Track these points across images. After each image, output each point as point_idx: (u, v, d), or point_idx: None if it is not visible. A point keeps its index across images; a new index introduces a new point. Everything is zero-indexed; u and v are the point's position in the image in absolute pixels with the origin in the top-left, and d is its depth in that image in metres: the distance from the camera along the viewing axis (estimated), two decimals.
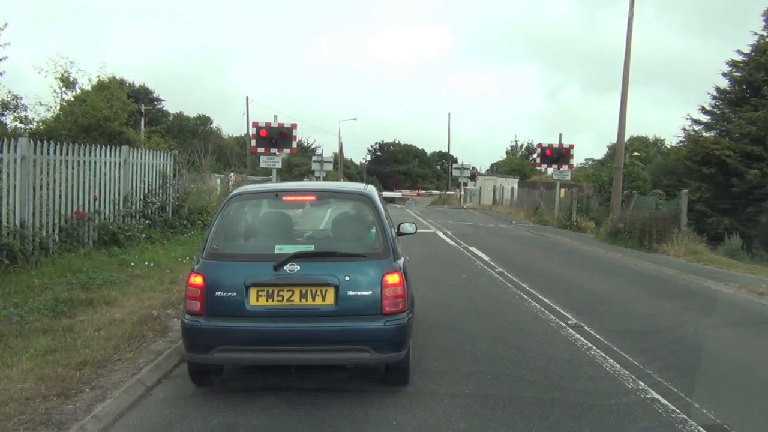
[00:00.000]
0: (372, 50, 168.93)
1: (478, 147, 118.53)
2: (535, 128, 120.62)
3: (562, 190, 26.54)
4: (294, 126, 19.08)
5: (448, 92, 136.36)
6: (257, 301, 4.39)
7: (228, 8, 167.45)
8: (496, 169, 58.55)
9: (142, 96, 20.56)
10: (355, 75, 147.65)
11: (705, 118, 28.26)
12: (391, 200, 49.08)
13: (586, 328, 7.09)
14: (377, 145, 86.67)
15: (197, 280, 4.46)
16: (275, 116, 18.90)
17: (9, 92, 14.26)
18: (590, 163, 58.58)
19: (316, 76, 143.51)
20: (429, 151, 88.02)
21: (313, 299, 4.40)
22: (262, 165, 19.52)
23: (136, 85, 36.95)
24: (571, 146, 25.40)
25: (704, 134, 27.78)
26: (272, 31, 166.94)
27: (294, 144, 19.22)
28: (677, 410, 4.58)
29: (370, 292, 4.44)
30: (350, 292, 4.42)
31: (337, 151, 55.84)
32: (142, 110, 17.92)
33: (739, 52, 26.95)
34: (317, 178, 30.93)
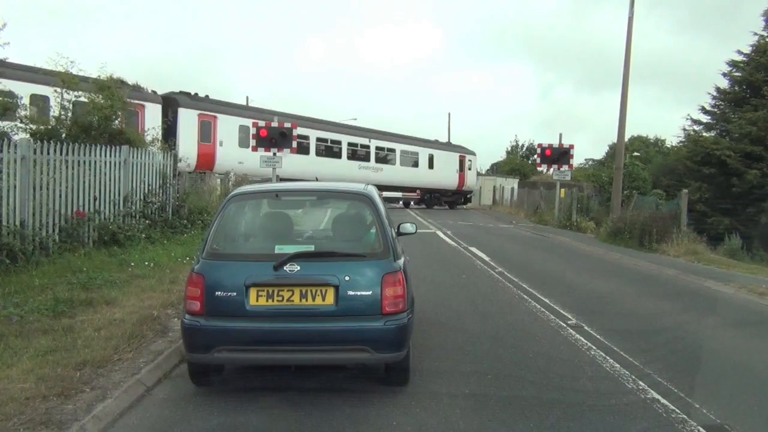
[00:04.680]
0: (370, 50, 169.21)
1: (477, 147, 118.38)
2: (533, 128, 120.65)
3: (562, 190, 26.54)
4: (294, 126, 19.09)
5: (446, 92, 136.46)
6: (257, 301, 4.39)
7: (223, 8, 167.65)
8: (496, 169, 58.57)
9: None
10: (354, 75, 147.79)
11: (705, 118, 28.29)
12: (392, 200, 48.99)
13: (586, 328, 7.09)
14: None
15: (197, 280, 4.46)
16: (275, 116, 18.91)
17: (9, 91, 14.23)
18: (590, 163, 58.67)
19: (314, 76, 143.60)
20: None
21: (313, 299, 4.40)
22: (262, 165, 19.50)
23: (131, 84, 36.74)
24: (571, 146, 25.40)
25: (704, 134, 27.78)
26: (270, 31, 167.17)
27: (294, 144, 19.22)
28: (677, 410, 4.58)
29: (370, 292, 4.44)
30: (350, 292, 4.42)
31: None
32: None
33: (739, 52, 26.99)
34: (317, 178, 30.90)
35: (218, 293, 4.41)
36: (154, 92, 21.20)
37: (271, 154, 18.72)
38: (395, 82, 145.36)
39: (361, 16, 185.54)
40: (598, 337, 6.69)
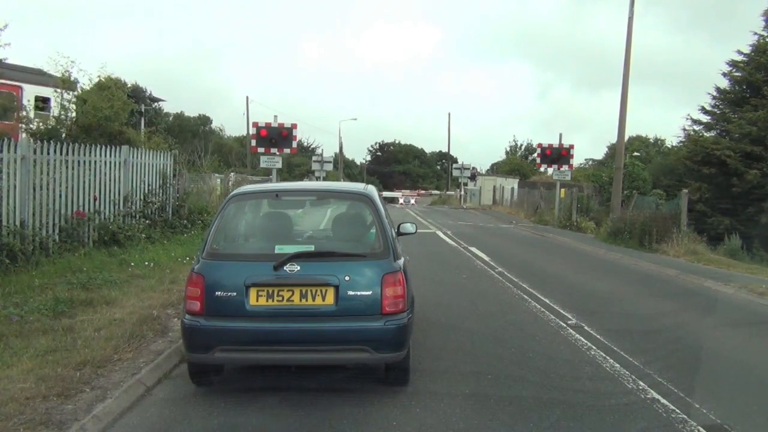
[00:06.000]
0: (368, 50, 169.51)
1: (476, 146, 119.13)
2: (532, 128, 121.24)
3: (562, 190, 26.53)
4: (294, 126, 19.06)
5: (444, 91, 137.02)
6: (257, 301, 4.39)
7: (222, 8, 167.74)
8: (495, 169, 58.62)
9: (141, 95, 20.49)
10: (355, 75, 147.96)
11: (705, 118, 28.23)
12: (392, 200, 49.34)
13: (586, 328, 7.09)
14: (377, 145, 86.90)
15: (197, 280, 4.46)
16: (275, 116, 18.89)
17: (10, 91, 14.26)
18: (590, 163, 58.65)
19: (315, 76, 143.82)
20: (429, 150, 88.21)
21: (313, 299, 4.40)
22: (262, 165, 19.51)
23: (129, 83, 36.75)
24: (571, 146, 25.40)
25: (704, 134, 27.76)
26: (269, 31, 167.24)
27: (294, 144, 19.20)
28: (677, 410, 4.58)
29: (370, 292, 4.44)
30: (350, 292, 4.42)
31: (338, 151, 55.96)
32: (142, 110, 17.91)
33: (739, 52, 26.95)
34: (317, 178, 30.86)
35: (218, 293, 4.40)
36: None
37: (271, 154, 18.74)
38: (394, 81, 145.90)
39: (360, 16, 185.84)
40: (598, 337, 6.69)
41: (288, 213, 5.37)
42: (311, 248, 4.82)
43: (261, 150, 18.74)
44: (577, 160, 48.91)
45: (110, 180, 10.88)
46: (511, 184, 43.40)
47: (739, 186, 23.57)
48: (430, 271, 10.98)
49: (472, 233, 20.12)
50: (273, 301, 4.39)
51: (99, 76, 14.80)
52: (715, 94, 27.89)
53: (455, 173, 46.75)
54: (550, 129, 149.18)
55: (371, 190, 5.37)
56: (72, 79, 13.57)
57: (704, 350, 6.42)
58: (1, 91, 16.29)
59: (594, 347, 6.26)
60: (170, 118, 50.33)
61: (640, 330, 7.30)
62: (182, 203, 13.88)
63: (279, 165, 19.03)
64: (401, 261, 4.80)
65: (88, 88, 14.83)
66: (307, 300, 4.40)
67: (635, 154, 50.48)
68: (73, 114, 12.55)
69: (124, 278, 8.17)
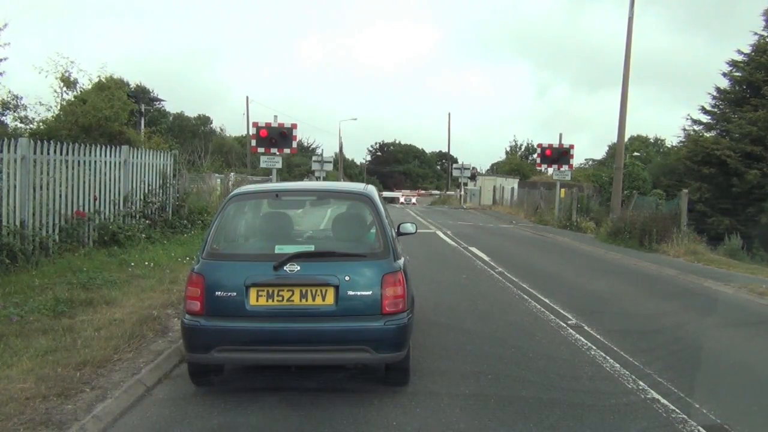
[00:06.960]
0: (370, 50, 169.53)
1: (476, 147, 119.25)
2: (532, 128, 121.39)
3: (563, 190, 26.54)
4: (294, 126, 19.07)
5: (445, 92, 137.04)
6: (257, 301, 4.39)
7: (221, 8, 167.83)
8: (496, 169, 58.63)
9: (142, 96, 20.50)
10: (355, 75, 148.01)
11: (705, 118, 28.28)
12: (392, 200, 49.44)
13: (586, 328, 7.09)
14: (377, 145, 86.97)
15: (197, 280, 4.46)
16: (275, 116, 18.91)
17: (9, 92, 14.28)
18: (590, 163, 58.68)
19: (315, 76, 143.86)
20: (429, 151, 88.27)
21: (313, 299, 4.40)
22: (262, 165, 19.52)
23: (131, 84, 36.76)
24: (571, 146, 25.41)
25: (704, 134, 27.77)
26: (269, 31, 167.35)
27: (294, 144, 19.22)
28: (677, 410, 4.58)
29: (370, 292, 4.44)
30: (350, 292, 4.42)
31: (338, 151, 55.99)
32: (143, 110, 17.91)
33: (739, 51, 26.98)
34: (317, 178, 30.87)
35: (218, 293, 4.40)
36: None
37: (271, 154, 18.75)
38: (394, 81, 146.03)
39: (360, 15, 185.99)
40: (598, 337, 6.69)
41: (288, 213, 5.37)
42: (311, 248, 4.82)
43: (261, 150, 18.76)
44: (577, 160, 48.99)
45: (110, 180, 10.88)
46: (511, 184, 43.41)
47: (739, 186, 23.58)
48: (430, 271, 10.98)
49: (472, 233, 20.12)
50: (273, 301, 4.39)
51: (99, 77, 14.82)
52: (715, 94, 27.94)
53: (455, 173, 46.78)
54: (550, 129, 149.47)
55: (371, 190, 5.37)
56: (72, 79, 13.59)
57: (704, 350, 6.42)
58: None
59: (594, 347, 6.26)
60: (170, 118, 50.32)
61: (640, 330, 7.30)
62: (182, 203, 13.88)
63: (279, 165, 19.05)
64: (401, 261, 4.81)
65: (88, 88, 14.86)
66: (307, 300, 4.40)
67: (635, 154, 50.50)
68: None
69: (124, 278, 8.17)
